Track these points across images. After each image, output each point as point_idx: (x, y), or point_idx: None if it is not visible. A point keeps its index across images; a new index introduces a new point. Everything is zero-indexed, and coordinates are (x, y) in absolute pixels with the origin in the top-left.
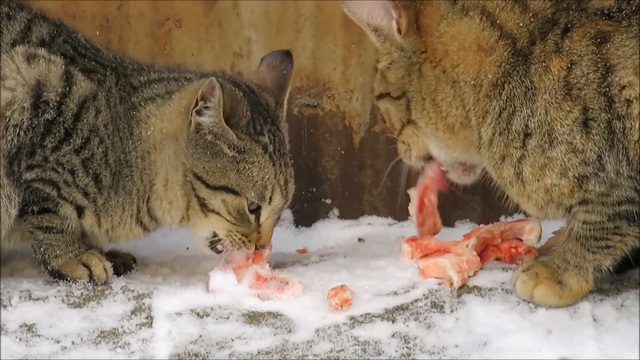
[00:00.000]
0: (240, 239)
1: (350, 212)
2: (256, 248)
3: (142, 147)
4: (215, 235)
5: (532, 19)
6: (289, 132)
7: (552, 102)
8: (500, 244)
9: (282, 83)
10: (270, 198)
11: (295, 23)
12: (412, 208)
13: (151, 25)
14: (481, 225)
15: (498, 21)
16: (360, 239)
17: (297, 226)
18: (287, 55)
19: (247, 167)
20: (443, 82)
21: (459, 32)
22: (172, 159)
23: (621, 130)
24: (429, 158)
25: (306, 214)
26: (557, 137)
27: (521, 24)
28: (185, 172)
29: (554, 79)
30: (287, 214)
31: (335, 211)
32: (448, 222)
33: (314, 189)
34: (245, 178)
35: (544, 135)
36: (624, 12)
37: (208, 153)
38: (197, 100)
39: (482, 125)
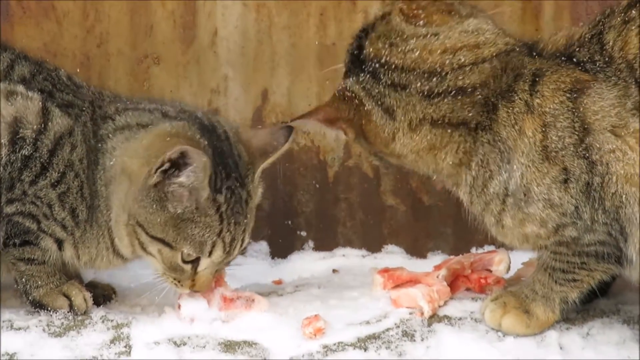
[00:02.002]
0: (173, 282)
1: (325, 244)
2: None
3: (106, 177)
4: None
5: (472, 96)
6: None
7: (529, 165)
8: (470, 275)
9: (267, 151)
10: (210, 252)
11: (271, 61)
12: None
13: (130, 63)
14: (452, 257)
15: (453, 121)
16: (334, 270)
17: (272, 258)
18: (288, 131)
19: (190, 226)
20: (407, 162)
21: (412, 148)
22: (122, 198)
23: (599, 184)
24: None
25: (282, 246)
26: (534, 197)
27: (469, 108)
28: (130, 215)
29: (529, 143)
30: (263, 246)
31: (310, 243)
32: (420, 253)
33: (290, 222)
34: (184, 235)
35: (520, 195)
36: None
37: (154, 206)
38: (163, 161)
39: (458, 189)
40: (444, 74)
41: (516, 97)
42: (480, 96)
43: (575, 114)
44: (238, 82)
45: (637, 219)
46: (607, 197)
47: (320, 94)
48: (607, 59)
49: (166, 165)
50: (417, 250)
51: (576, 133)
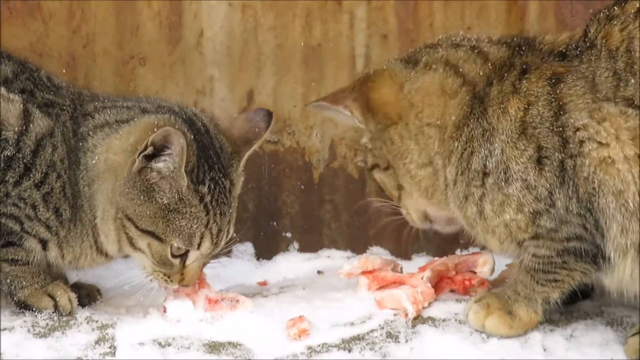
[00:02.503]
0: (162, 277)
1: (310, 246)
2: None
3: (88, 176)
4: (145, 266)
5: (491, 66)
6: (252, 166)
7: (508, 142)
8: (455, 276)
9: (250, 139)
10: (199, 244)
11: (256, 61)
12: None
13: (116, 63)
14: (436, 258)
15: (461, 70)
16: (319, 272)
17: (258, 259)
18: (268, 115)
19: (177, 217)
20: (407, 139)
21: (422, 83)
22: (109, 193)
23: (572, 167)
24: (427, 218)
25: (267, 247)
26: (512, 175)
27: (481, 72)
28: (118, 209)
29: (511, 120)
30: (248, 247)
31: (295, 244)
32: (405, 255)
33: (275, 223)
34: (173, 227)
35: (500, 173)
36: (574, 52)
37: (142, 197)
38: (146, 144)
39: (447, 166)
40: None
41: (507, 81)
42: (489, 65)
43: (554, 96)
44: (224, 82)
45: (611, 211)
46: (580, 182)
47: (306, 94)
48: (589, 45)
49: (149, 150)
50: (401, 252)
51: (553, 110)
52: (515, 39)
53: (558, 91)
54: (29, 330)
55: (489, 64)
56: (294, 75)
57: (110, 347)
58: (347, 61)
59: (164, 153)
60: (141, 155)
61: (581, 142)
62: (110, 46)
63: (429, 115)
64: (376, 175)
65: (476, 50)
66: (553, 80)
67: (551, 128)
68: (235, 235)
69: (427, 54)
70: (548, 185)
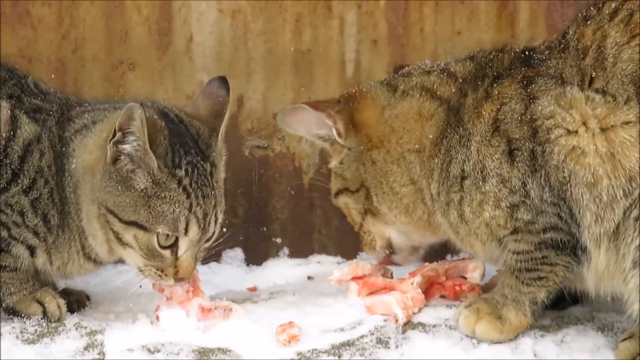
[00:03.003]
0: (155, 272)
1: (300, 251)
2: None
3: (73, 182)
4: (139, 268)
5: (461, 81)
6: (241, 171)
7: (482, 141)
8: (445, 282)
9: (218, 110)
10: (186, 230)
11: (246, 67)
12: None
13: (105, 69)
14: (426, 264)
15: (438, 93)
16: (309, 277)
17: (247, 265)
18: (223, 81)
19: (157, 203)
20: (389, 162)
21: (401, 109)
22: (89, 193)
23: (541, 154)
24: (389, 246)
25: (257, 253)
26: (488, 172)
27: (453, 89)
28: (99, 205)
29: (484, 121)
30: (238, 252)
31: (285, 250)
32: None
33: (265, 229)
34: (155, 213)
35: (477, 171)
36: (543, 58)
37: (120, 187)
38: (114, 130)
39: (431, 184)
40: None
41: (480, 89)
42: (460, 80)
43: (525, 94)
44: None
45: (585, 202)
46: (551, 170)
47: (296, 99)
48: (562, 47)
49: (118, 135)
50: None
51: (524, 104)
52: (479, 53)
53: (529, 90)
54: (17, 337)
55: (460, 80)
56: (283, 81)
57: (99, 354)
58: (337, 66)
59: (127, 131)
60: (111, 142)
61: (549, 129)
62: (99, 51)
63: (408, 141)
64: (342, 199)
65: (445, 72)
66: (524, 83)
67: (520, 119)
68: (225, 230)
69: (403, 82)
70: (520, 176)
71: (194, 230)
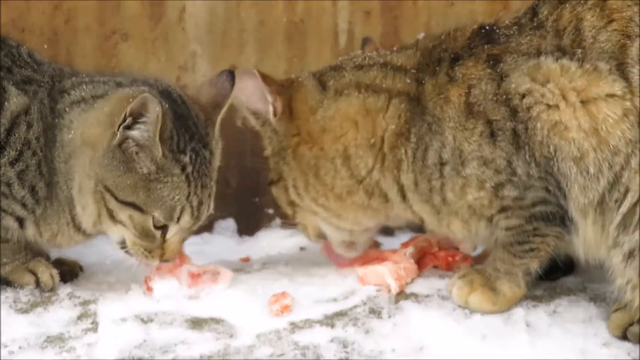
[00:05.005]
0: (143, 252)
1: (292, 222)
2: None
3: (65, 152)
4: (124, 241)
5: (414, 70)
6: (233, 143)
7: (457, 127)
8: (438, 253)
9: (219, 101)
10: (179, 218)
11: (239, 38)
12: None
13: (98, 39)
14: (419, 234)
15: (384, 86)
16: (301, 248)
17: (240, 235)
18: (230, 75)
19: (158, 187)
20: (322, 158)
21: (337, 111)
22: (86, 167)
23: (524, 132)
24: (323, 236)
25: (249, 224)
26: (467, 157)
27: (408, 80)
28: (97, 182)
29: (455, 106)
30: (231, 223)
31: (278, 221)
32: (388, 231)
33: (257, 199)
34: (155, 197)
35: (455, 157)
36: (510, 35)
37: (122, 168)
38: (125, 115)
39: (399, 175)
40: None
41: (439, 74)
42: (412, 70)
43: (494, 73)
44: (206, 58)
45: (573, 175)
46: (536, 146)
47: (288, 71)
48: (537, 26)
49: (128, 120)
50: (384, 228)
51: (495, 82)
52: (421, 40)
53: (499, 69)
54: (10, 306)
55: (412, 70)
56: (276, 52)
57: (92, 323)
58: (330, 37)
59: (140, 121)
60: (121, 127)
61: (529, 107)
62: (92, 22)
63: (355, 138)
64: (274, 192)
65: (389, 65)
66: (491, 62)
67: (496, 100)
68: (213, 212)
69: (333, 78)
70: (505, 155)
71: (186, 219)
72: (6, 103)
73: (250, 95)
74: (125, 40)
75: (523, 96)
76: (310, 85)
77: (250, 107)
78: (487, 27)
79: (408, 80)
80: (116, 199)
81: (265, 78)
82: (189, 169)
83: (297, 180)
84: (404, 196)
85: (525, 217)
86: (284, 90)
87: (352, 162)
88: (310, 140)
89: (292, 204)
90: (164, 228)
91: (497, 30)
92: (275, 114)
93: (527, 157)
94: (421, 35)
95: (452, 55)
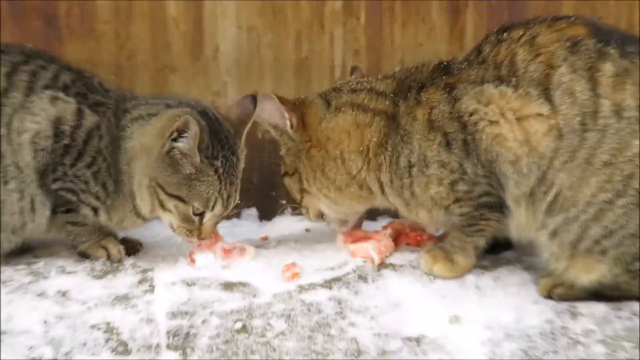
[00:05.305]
0: (185, 232)
1: (300, 210)
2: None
3: (127, 157)
4: (172, 224)
5: (391, 95)
6: (255, 150)
7: (421, 138)
8: (409, 233)
9: (244, 119)
10: (213, 207)
11: (259, 70)
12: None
13: (152, 72)
14: (395, 220)
15: (371, 106)
16: (307, 230)
17: (260, 220)
18: (253, 99)
19: (197, 184)
20: (327, 159)
21: (336, 123)
22: (143, 168)
23: (472, 141)
24: (322, 215)
25: (267, 211)
26: (429, 160)
27: (387, 102)
28: (151, 179)
29: (420, 123)
30: (253, 211)
31: (289, 210)
32: (372, 217)
33: (274, 193)
34: (194, 192)
35: (420, 161)
36: (462, 68)
37: (170, 169)
38: (174, 131)
39: (380, 175)
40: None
41: (410, 98)
42: (390, 94)
43: (450, 97)
44: (234, 86)
45: (510, 175)
46: (481, 152)
47: (297, 95)
48: (482, 61)
49: (175, 134)
50: (369, 215)
51: (450, 104)
52: (397, 72)
53: (453, 94)
54: (88, 274)
55: (390, 95)
56: (287, 81)
57: (149, 286)
58: (328, 71)
59: (183, 135)
60: (169, 139)
61: (475, 122)
62: (148, 59)
63: (349, 145)
64: (286, 181)
65: (373, 91)
66: (447, 89)
67: (450, 117)
68: (240, 202)
69: (334, 97)
70: (457, 159)
71: (218, 208)
72: (83, 121)
73: (271, 113)
74: (173, 72)
75: (471, 114)
76: (319, 103)
77: (270, 122)
78: (445, 63)
79: (387, 103)
80: (165, 192)
81: (281, 99)
82: (220, 170)
83: (308, 174)
84: (383, 190)
85: (474, 206)
86: (296, 107)
87: (347, 163)
88: (318, 145)
89: (302, 191)
90: (201, 215)
91: (452, 65)
92: (292, 127)
93: (475, 161)
94: (397, 69)
95: (419, 84)
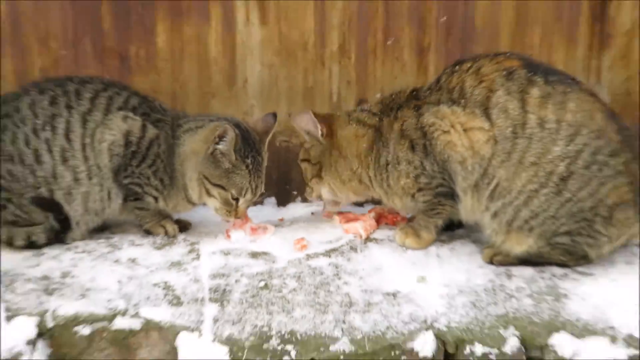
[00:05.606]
0: (225, 212)
1: (307, 199)
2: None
3: (181, 159)
4: (215, 207)
5: (379, 114)
6: (274, 155)
7: (396, 144)
8: (388, 215)
9: (267, 130)
10: (245, 194)
11: (277, 96)
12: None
13: (198, 97)
14: (377, 206)
15: (367, 122)
16: (312, 213)
17: (278, 206)
18: (274, 115)
19: (233, 176)
20: (340, 158)
21: (348, 132)
22: (193, 166)
23: (430, 146)
24: (320, 197)
25: (283, 199)
26: (400, 159)
27: (376, 119)
28: (199, 173)
29: (395, 132)
30: (272, 199)
31: (299, 198)
32: (360, 204)
33: (287, 186)
34: (231, 182)
35: (394, 160)
36: (426, 94)
37: (213, 166)
38: (216, 137)
39: (369, 171)
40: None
41: (391, 115)
42: (379, 114)
43: (416, 114)
44: (258, 108)
45: (458, 172)
46: (436, 154)
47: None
48: (440, 88)
49: (217, 139)
50: (359, 203)
51: (416, 119)
52: (383, 98)
53: (418, 112)
54: (151, 246)
55: (378, 114)
56: (297, 105)
57: (196, 255)
58: (327, 97)
59: (223, 140)
60: (213, 143)
61: (433, 132)
62: (195, 87)
63: (352, 149)
64: (303, 165)
65: (370, 111)
66: (415, 108)
67: (415, 128)
68: (264, 192)
69: (348, 114)
70: (419, 158)
71: (249, 195)
72: (146, 134)
73: (307, 123)
74: (213, 97)
75: (430, 126)
76: (342, 118)
77: (306, 129)
78: (415, 90)
79: (376, 119)
80: (210, 182)
81: (315, 114)
82: (250, 167)
83: (326, 167)
84: (371, 183)
85: (433, 195)
86: (325, 120)
87: (350, 162)
88: (337, 148)
89: (316, 176)
90: (236, 200)
91: (420, 92)
92: (322, 135)
93: (432, 160)
94: (378, 95)
95: (397, 105)
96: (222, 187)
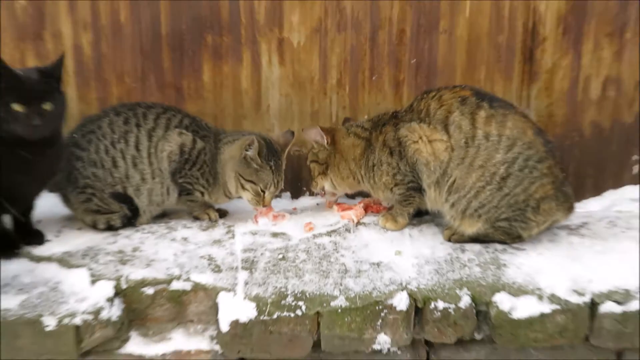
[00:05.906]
0: (255, 202)
1: (313, 194)
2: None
3: (221, 164)
4: (248, 199)
5: (370, 129)
6: (289, 160)
7: (380, 151)
8: (374, 205)
9: (286, 143)
10: (269, 188)
11: (292, 116)
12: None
13: (233, 118)
14: (366, 198)
15: (361, 135)
16: (317, 204)
17: (292, 199)
18: (291, 132)
19: (261, 174)
20: (341, 160)
21: (347, 142)
22: (230, 167)
23: (404, 152)
24: (322, 189)
25: (296, 193)
26: (382, 162)
27: (368, 133)
28: (236, 172)
29: (380, 142)
30: (288, 194)
31: (307, 193)
32: (352, 197)
33: (299, 183)
34: (259, 178)
35: (378, 162)
36: (403, 114)
37: (245, 166)
38: (246, 145)
39: (360, 171)
40: (361, 127)
41: (379, 131)
42: (370, 129)
43: (395, 129)
44: (277, 126)
45: (424, 172)
46: (408, 158)
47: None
48: (412, 110)
49: (247, 147)
50: (351, 195)
51: (394, 132)
52: (373, 117)
53: (396, 127)
54: (198, 228)
55: (369, 129)
56: (307, 124)
57: (232, 235)
58: (328, 118)
59: (251, 147)
60: (244, 150)
61: (405, 141)
62: (231, 111)
63: (350, 155)
64: (311, 165)
65: (363, 126)
66: (395, 126)
67: (393, 139)
68: (282, 188)
69: (347, 128)
70: (395, 162)
71: (272, 189)
72: (196, 145)
73: (315, 134)
74: (245, 119)
75: (404, 137)
76: (342, 130)
77: (314, 139)
78: (396, 112)
79: (367, 133)
80: (244, 179)
81: (322, 128)
82: (273, 167)
83: (331, 167)
84: (362, 180)
85: (406, 189)
86: (330, 132)
87: (348, 164)
88: (339, 153)
89: (322, 173)
90: (263, 192)
91: (399, 113)
92: (327, 143)
93: (405, 163)
94: (365, 117)
95: (383, 123)
96: (253, 182)
